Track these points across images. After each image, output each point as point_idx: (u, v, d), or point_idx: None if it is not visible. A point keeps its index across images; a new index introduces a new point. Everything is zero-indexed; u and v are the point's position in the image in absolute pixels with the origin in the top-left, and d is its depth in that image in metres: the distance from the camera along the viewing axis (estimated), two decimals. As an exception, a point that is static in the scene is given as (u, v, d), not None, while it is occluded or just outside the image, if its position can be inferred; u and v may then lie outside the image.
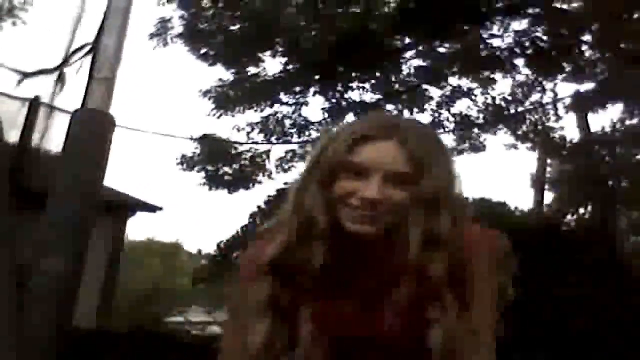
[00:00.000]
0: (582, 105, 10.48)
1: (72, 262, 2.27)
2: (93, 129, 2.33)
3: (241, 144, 10.81)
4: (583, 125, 10.86)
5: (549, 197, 12.53)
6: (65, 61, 2.53)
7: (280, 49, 10.19)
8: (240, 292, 1.21)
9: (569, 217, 10.60)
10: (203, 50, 10.12)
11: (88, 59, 2.32)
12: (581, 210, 10.69)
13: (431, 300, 1.07)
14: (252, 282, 1.16)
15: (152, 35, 9.80)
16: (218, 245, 9.79)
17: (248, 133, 10.69)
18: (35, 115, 5.48)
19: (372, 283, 1.14)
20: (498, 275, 1.13)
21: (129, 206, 11.16)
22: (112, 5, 2.43)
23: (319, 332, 1.11)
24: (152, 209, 11.51)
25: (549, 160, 12.25)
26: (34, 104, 5.41)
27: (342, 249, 1.13)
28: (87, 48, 2.35)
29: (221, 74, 10.54)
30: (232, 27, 9.95)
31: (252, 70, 10.50)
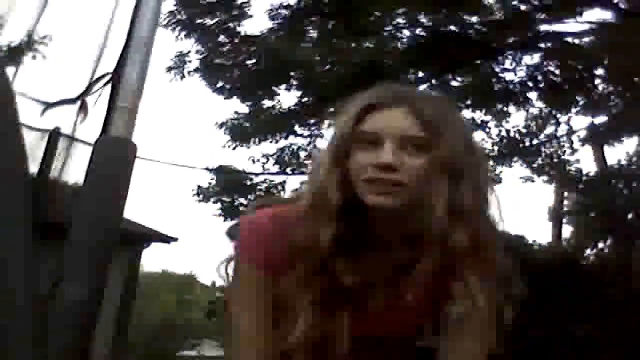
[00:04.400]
0: (597, 138, 10.45)
1: (93, 291, 2.28)
2: (116, 156, 2.37)
3: (257, 174, 10.87)
4: (599, 158, 10.81)
5: (567, 230, 12.40)
6: (87, 90, 2.58)
7: (295, 83, 10.30)
8: (248, 273, 1.16)
9: (587, 251, 10.43)
10: (219, 84, 10.26)
11: (108, 89, 2.37)
12: (600, 245, 10.53)
13: (453, 273, 1.05)
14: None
15: (169, 69, 9.97)
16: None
17: (263, 164, 10.77)
18: (55, 146, 5.53)
19: (395, 258, 1.10)
20: (497, 294, 1.09)
21: (144, 237, 11.20)
22: (134, 35, 2.49)
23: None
24: (167, 239, 11.54)
25: (566, 194, 12.16)
26: (53, 135, 5.47)
27: (362, 226, 1.09)
28: (108, 77, 2.40)
29: (237, 106, 10.68)
30: (248, 62, 10.09)
31: (267, 103, 10.62)
